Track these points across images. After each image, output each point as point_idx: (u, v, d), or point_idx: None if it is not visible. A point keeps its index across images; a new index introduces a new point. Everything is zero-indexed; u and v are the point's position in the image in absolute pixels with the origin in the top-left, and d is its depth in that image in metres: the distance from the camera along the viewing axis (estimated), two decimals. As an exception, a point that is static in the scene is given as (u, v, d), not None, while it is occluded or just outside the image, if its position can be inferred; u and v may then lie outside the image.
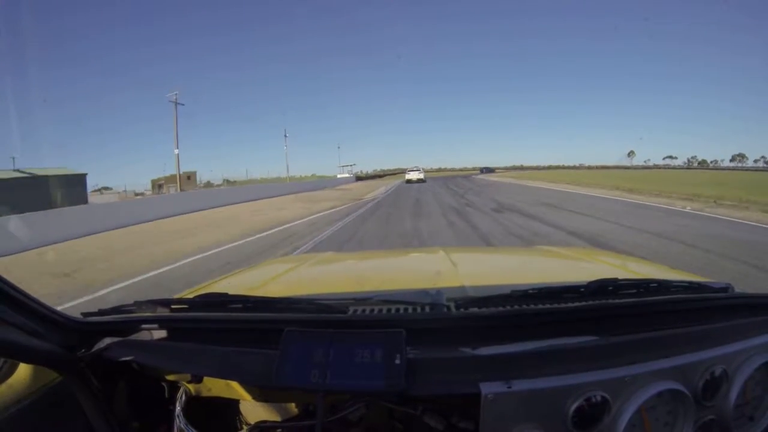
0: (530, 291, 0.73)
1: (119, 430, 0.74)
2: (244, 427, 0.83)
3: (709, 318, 0.76)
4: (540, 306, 0.71)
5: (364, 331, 0.65)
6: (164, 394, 0.82)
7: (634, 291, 0.78)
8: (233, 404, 0.86)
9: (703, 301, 0.78)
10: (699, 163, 71.42)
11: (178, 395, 0.79)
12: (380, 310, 0.78)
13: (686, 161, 76.46)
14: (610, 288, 0.77)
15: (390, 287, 0.79)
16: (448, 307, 0.74)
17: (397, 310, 0.78)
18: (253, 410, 0.85)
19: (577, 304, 0.73)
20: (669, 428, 0.66)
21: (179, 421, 0.76)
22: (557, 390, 0.59)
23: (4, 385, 0.68)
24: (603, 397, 0.60)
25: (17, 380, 0.69)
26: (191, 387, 0.80)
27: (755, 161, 70.92)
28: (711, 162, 71.92)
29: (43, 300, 0.67)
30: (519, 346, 0.65)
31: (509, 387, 0.58)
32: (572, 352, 0.64)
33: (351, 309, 0.76)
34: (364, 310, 0.78)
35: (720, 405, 0.69)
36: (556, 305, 0.72)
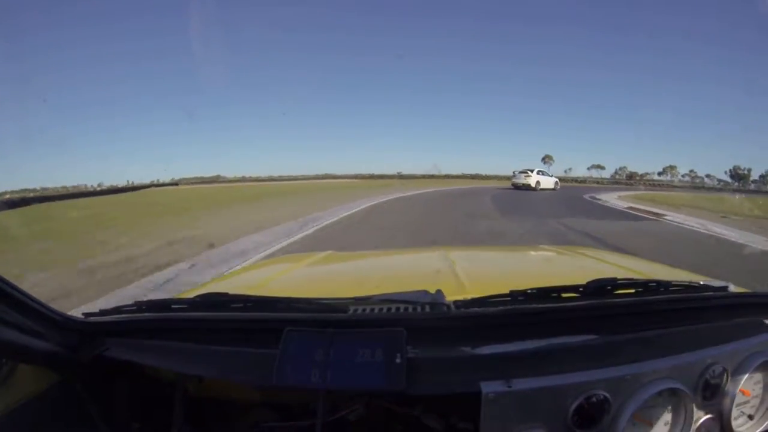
0: (530, 290, 0.74)
1: (120, 431, 0.74)
2: (245, 427, 0.83)
3: (708, 317, 0.76)
4: (540, 305, 0.71)
5: (364, 331, 0.65)
6: (165, 395, 0.82)
7: (633, 290, 0.78)
8: (233, 404, 0.86)
9: (703, 300, 0.78)
10: (628, 176, 59.85)
11: (179, 395, 0.79)
12: (380, 310, 0.78)
13: (614, 172, 63.83)
14: (609, 287, 0.77)
15: (390, 286, 0.79)
16: (449, 307, 0.74)
17: (398, 309, 0.78)
18: (253, 410, 0.86)
19: (576, 303, 0.73)
20: (669, 427, 0.66)
21: (180, 422, 0.76)
22: (557, 389, 0.59)
23: (4, 386, 0.68)
24: (603, 396, 0.60)
25: (17, 381, 0.69)
26: (192, 387, 0.81)
27: (682, 176, 60.43)
28: (642, 174, 60.46)
29: (44, 300, 0.66)
30: (519, 345, 0.65)
31: (509, 386, 0.58)
32: (572, 351, 0.65)
33: (351, 308, 0.76)
34: (364, 310, 0.78)
35: (720, 404, 0.69)
36: (555, 304, 0.72)
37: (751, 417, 0.74)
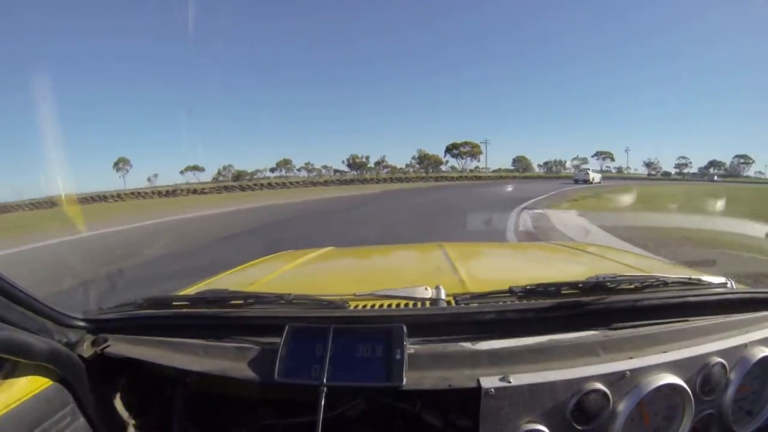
0: (529, 286, 0.74)
1: (121, 428, 0.74)
2: (245, 423, 0.84)
3: (707, 313, 0.76)
4: (540, 301, 0.71)
5: (365, 327, 0.65)
6: (165, 391, 0.82)
7: (633, 286, 0.78)
8: (234, 400, 0.86)
9: (702, 296, 0.78)
10: (234, 177, 51.03)
11: (179, 392, 0.80)
12: (381, 306, 0.79)
13: (217, 173, 53.37)
14: (609, 283, 0.77)
15: (390, 282, 0.80)
16: (449, 302, 0.74)
17: (398, 305, 0.78)
18: (253, 406, 0.86)
19: (576, 299, 0.73)
20: (668, 422, 0.66)
21: (181, 418, 0.77)
22: (557, 384, 0.59)
23: (4, 384, 0.68)
24: (603, 391, 0.60)
25: (18, 379, 0.69)
26: (192, 384, 0.81)
27: (298, 169, 54.07)
28: (252, 172, 52.47)
29: (44, 299, 0.67)
30: (519, 340, 0.65)
31: (509, 381, 0.59)
32: (572, 346, 0.65)
33: (351, 304, 0.76)
34: (365, 306, 0.78)
35: (719, 399, 0.69)
36: (555, 300, 0.72)
37: (749, 413, 0.74)
